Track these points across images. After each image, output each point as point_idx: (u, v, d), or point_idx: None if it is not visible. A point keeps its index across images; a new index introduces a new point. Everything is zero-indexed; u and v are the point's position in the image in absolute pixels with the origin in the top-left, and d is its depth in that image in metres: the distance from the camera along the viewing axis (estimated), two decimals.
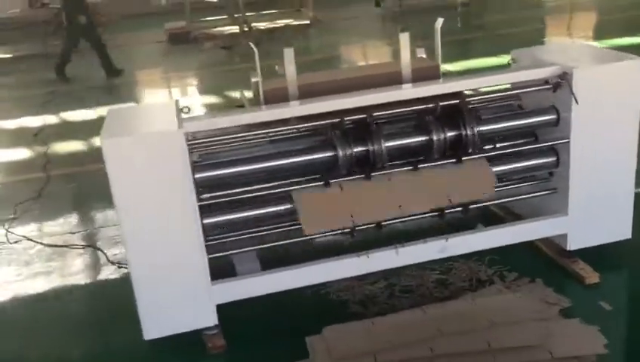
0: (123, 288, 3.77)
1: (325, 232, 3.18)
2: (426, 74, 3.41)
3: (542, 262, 3.57)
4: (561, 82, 3.17)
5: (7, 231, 4.63)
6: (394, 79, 3.37)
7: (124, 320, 3.42)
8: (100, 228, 4.60)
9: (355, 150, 3.08)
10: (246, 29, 11.65)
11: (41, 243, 4.42)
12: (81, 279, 3.94)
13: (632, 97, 3.25)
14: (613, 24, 10.15)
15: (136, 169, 2.80)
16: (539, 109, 3.35)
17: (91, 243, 4.34)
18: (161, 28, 12.12)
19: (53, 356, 3.26)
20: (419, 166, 3.16)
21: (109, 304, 3.65)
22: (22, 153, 6.54)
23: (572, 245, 3.45)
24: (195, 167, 2.92)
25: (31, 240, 4.49)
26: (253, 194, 3.07)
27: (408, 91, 3.16)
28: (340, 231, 3.26)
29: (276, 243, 3.27)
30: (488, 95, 3.48)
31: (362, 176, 3.10)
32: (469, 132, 3.15)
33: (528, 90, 3.33)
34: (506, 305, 3.06)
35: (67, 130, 7.25)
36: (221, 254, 3.13)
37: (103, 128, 2.92)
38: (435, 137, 3.14)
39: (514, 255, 3.58)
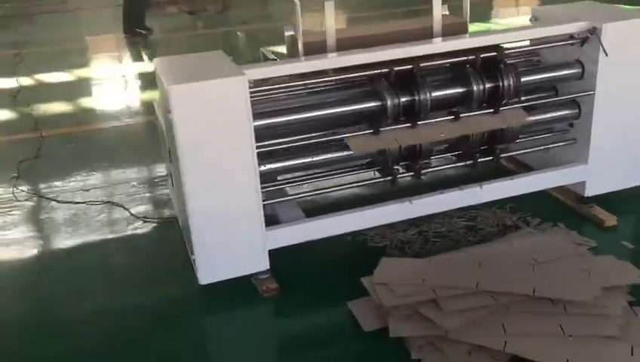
0: (157, 240, 3.85)
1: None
2: (455, 29, 3.54)
3: (560, 208, 3.81)
4: (590, 36, 3.38)
5: (14, 188, 4.54)
6: (427, 34, 3.49)
7: (167, 270, 3.49)
8: (113, 185, 4.57)
9: (403, 100, 3.20)
10: None
11: (56, 200, 4.37)
12: (110, 233, 3.92)
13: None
14: None
15: (202, 114, 2.84)
16: (565, 63, 3.55)
17: (110, 200, 4.32)
18: None
19: (105, 306, 3.25)
20: (460, 115, 3.33)
21: (147, 255, 3.66)
22: (5, 114, 6.34)
23: (590, 192, 3.70)
24: (254, 114, 2.98)
25: (43, 196, 4.43)
26: (310, 142, 3.16)
27: (455, 42, 3.28)
28: (381, 179, 3.42)
29: (322, 191, 3.37)
30: (514, 49, 3.65)
31: (409, 125, 3.24)
32: (506, 83, 3.32)
33: (556, 44, 3.52)
34: (542, 245, 3.27)
35: (46, 92, 7.07)
36: (274, 201, 3.23)
37: (164, 75, 2.93)
38: (475, 88, 3.30)
39: (532, 203, 3.78)
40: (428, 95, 3.20)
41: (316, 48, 3.35)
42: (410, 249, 3.50)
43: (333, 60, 3.16)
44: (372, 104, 3.21)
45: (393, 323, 2.81)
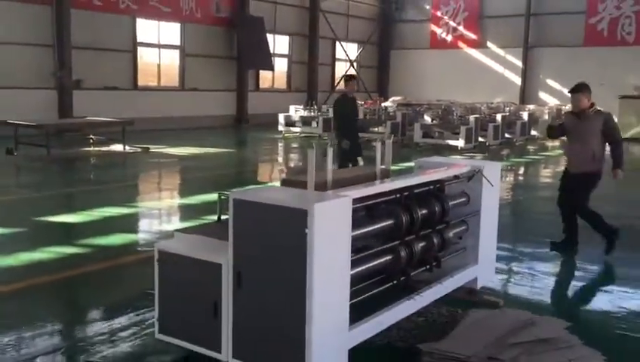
0: None
1: None
2: (384, 175, 4.76)
3: (458, 301, 5.10)
4: (476, 174, 5.00)
5: None
6: (373, 177, 4.62)
7: None
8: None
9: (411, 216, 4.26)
10: None
11: None
12: None
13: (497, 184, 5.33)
14: None
15: (328, 228, 3.41)
16: (457, 194, 5.06)
17: None
18: None
19: None
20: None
21: None
22: None
23: (480, 284, 5.17)
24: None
25: None
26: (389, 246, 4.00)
27: (432, 175, 4.56)
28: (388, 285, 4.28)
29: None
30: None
31: (413, 236, 4.28)
32: (447, 207, 4.66)
33: (452, 182, 5.02)
34: (495, 316, 4.55)
35: None
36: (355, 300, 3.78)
37: (281, 200, 3.46)
38: (435, 210, 4.55)
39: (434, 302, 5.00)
40: (419, 214, 4.32)
41: (320, 186, 4.14)
42: (409, 339, 4.36)
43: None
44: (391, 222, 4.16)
45: None
